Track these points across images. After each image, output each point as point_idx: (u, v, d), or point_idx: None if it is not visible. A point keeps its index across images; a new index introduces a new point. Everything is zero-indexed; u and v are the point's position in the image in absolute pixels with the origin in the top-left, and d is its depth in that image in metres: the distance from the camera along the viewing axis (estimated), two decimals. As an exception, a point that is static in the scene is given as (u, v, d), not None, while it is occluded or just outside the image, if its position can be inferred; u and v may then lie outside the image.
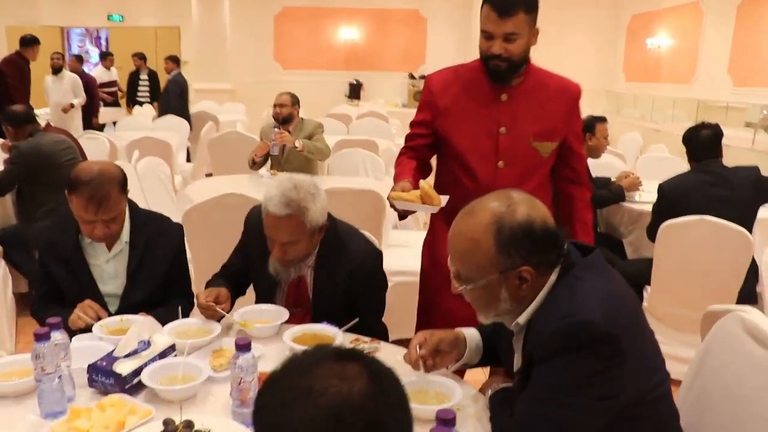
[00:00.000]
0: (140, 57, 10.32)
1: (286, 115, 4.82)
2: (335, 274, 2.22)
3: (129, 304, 2.24)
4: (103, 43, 14.87)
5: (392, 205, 2.12)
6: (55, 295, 2.29)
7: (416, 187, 2.14)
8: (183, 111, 8.63)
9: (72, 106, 8.42)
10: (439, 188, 2.32)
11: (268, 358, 1.91)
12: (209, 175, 7.48)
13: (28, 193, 4.11)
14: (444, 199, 2.10)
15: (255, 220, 2.28)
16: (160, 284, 2.30)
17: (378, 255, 2.32)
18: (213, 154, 6.11)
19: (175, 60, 9.27)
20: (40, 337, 1.58)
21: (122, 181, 2.19)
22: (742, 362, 1.70)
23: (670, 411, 1.55)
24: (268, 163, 4.86)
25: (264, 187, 4.11)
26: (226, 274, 2.37)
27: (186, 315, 2.16)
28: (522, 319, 1.51)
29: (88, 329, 2.03)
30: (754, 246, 3.35)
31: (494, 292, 1.48)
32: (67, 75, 8.63)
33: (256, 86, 12.76)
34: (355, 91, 13.11)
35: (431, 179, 2.37)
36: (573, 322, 1.36)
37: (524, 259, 1.44)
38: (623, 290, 1.49)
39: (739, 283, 3.39)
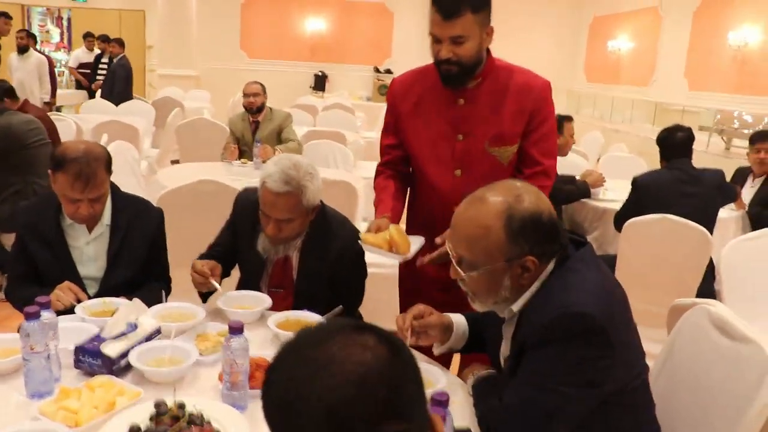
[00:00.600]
0: (103, 40, 10.09)
1: (259, 105, 4.83)
2: (322, 256, 2.26)
3: (108, 287, 2.24)
4: (65, 23, 14.53)
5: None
6: (31, 276, 2.27)
7: (395, 220, 2.16)
8: (127, 96, 8.53)
9: (46, 104, 8.27)
10: (412, 196, 2.36)
11: (253, 343, 1.92)
12: (175, 161, 7.42)
13: (-7, 174, 4.02)
14: (414, 247, 2.05)
15: (244, 200, 2.36)
16: (139, 267, 2.30)
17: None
18: (180, 141, 6.05)
19: (120, 43, 9.18)
20: (30, 316, 1.57)
21: (108, 161, 2.19)
22: (708, 353, 1.78)
23: (648, 399, 1.63)
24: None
25: (237, 175, 4.19)
26: (213, 254, 2.38)
27: (165, 299, 2.17)
28: (516, 306, 1.56)
29: (66, 311, 2.03)
30: (712, 244, 3.50)
31: (497, 279, 1.52)
32: (34, 55, 8.45)
33: (221, 74, 12.64)
34: (320, 83, 13.08)
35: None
36: (568, 312, 1.42)
37: (530, 248, 1.49)
38: (613, 284, 1.56)
39: (698, 280, 3.53)
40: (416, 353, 1.84)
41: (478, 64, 2.08)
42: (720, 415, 1.63)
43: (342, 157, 5.26)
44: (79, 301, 2.08)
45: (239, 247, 2.38)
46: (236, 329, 1.56)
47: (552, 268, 1.54)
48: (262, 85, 4.94)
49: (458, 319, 1.88)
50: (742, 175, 4.87)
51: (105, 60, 9.95)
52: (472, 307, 1.64)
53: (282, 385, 0.86)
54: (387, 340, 0.88)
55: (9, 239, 4.06)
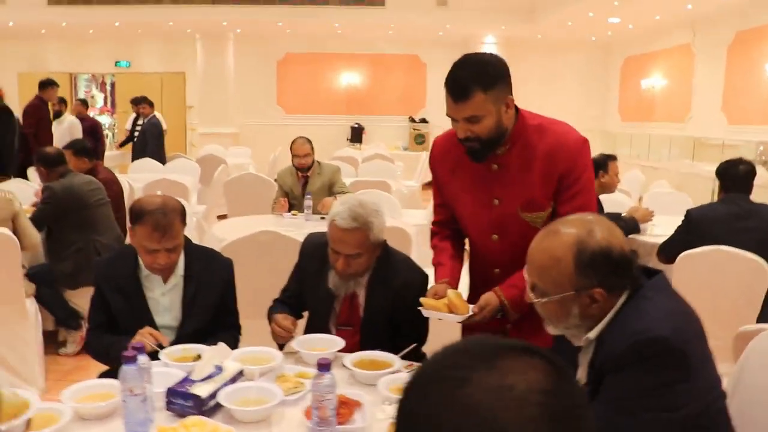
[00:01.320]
0: (136, 102, 9.95)
1: (310, 164, 4.97)
2: (387, 290, 2.36)
3: (183, 336, 2.32)
4: (108, 88, 15.13)
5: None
6: (110, 326, 2.37)
7: (454, 284, 2.25)
8: (160, 153, 8.76)
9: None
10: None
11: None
12: (222, 216, 7.61)
13: (57, 232, 4.20)
14: (472, 308, 2.09)
15: (311, 244, 2.52)
16: (211, 316, 2.39)
17: (425, 277, 2.44)
18: (228, 196, 6.23)
19: (149, 103, 9.41)
20: (128, 360, 1.67)
21: (183, 212, 2.31)
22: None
23: (726, 424, 1.65)
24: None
25: (289, 227, 4.31)
26: (285, 300, 2.51)
27: (236, 346, 2.27)
28: (592, 334, 1.61)
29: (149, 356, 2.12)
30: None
31: (566, 307, 1.59)
32: (67, 119, 8.85)
33: (259, 129, 13.02)
34: (356, 135, 13.34)
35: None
36: (642, 338, 1.47)
37: (599, 281, 1.55)
38: (688, 309, 1.60)
39: (755, 311, 3.50)
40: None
41: (501, 136, 2.05)
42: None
43: (389, 205, 5.34)
44: (160, 345, 2.16)
45: (307, 289, 2.48)
46: (324, 366, 1.63)
47: (626, 297, 1.59)
48: (310, 142, 5.07)
49: None
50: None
51: (139, 122, 10.19)
52: (546, 329, 1.69)
53: (443, 417, 0.74)
54: (551, 362, 0.78)
55: (73, 295, 4.23)
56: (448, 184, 2.28)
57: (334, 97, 13.70)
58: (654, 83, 11.75)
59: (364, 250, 2.28)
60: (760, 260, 3.42)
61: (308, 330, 2.48)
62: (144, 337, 2.17)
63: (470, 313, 2.06)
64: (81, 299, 4.22)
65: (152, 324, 2.33)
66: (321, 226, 4.40)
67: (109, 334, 2.35)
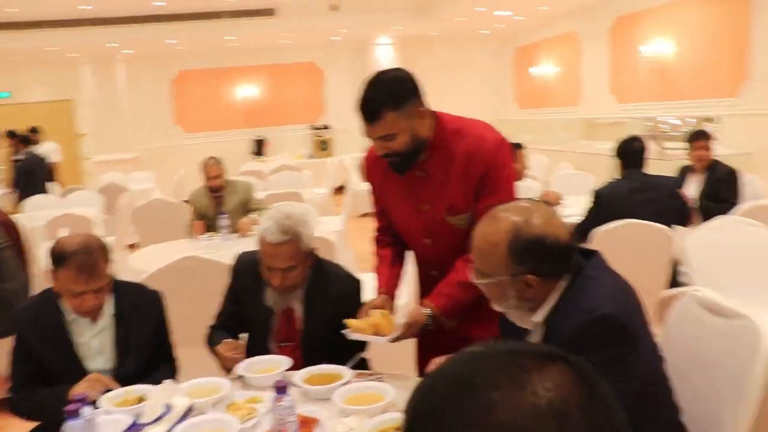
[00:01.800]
0: (10, 135, 9.44)
1: (222, 184, 4.88)
2: (323, 301, 2.36)
3: (121, 378, 2.19)
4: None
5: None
6: (38, 378, 2.21)
7: (391, 292, 2.29)
8: (43, 186, 8.38)
9: None
10: None
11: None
12: (132, 246, 7.33)
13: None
14: (399, 327, 2.11)
15: (243, 262, 2.49)
16: (148, 353, 2.30)
17: (359, 281, 2.46)
18: (138, 224, 6.01)
19: (35, 132, 8.97)
20: (71, 414, 1.59)
21: (106, 249, 2.21)
22: (704, 333, 1.93)
23: (670, 385, 1.75)
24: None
25: (207, 249, 4.21)
26: (224, 324, 2.46)
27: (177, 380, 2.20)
28: (538, 317, 1.68)
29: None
30: (675, 241, 3.72)
31: (503, 290, 1.66)
32: None
33: (159, 152, 12.62)
34: (259, 147, 13.17)
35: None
36: (592, 317, 1.54)
37: (532, 268, 1.61)
38: (626, 285, 1.69)
39: (665, 275, 3.74)
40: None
41: (421, 145, 2.10)
42: (725, 386, 1.77)
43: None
44: (108, 391, 2.05)
45: (243, 307, 2.45)
46: (282, 389, 1.61)
47: (570, 280, 1.65)
48: (219, 161, 4.98)
49: None
50: (685, 172, 5.18)
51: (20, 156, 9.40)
52: (492, 306, 1.76)
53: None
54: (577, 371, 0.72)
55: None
56: (381, 194, 2.35)
57: (233, 111, 13.46)
58: (546, 71, 12.21)
59: (297, 262, 2.28)
60: (666, 229, 3.66)
61: (248, 349, 2.44)
62: (92, 384, 2.05)
63: (396, 333, 2.08)
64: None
65: (84, 371, 2.21)
66: (240, 246, 4.36)
67: (40, 387, 2.20)
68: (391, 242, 2.41)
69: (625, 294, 1.65)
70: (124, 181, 9.13)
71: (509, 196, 2.16)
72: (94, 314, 2.23)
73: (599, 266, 1.69)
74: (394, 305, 2.30)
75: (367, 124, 2.05)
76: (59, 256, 2.12)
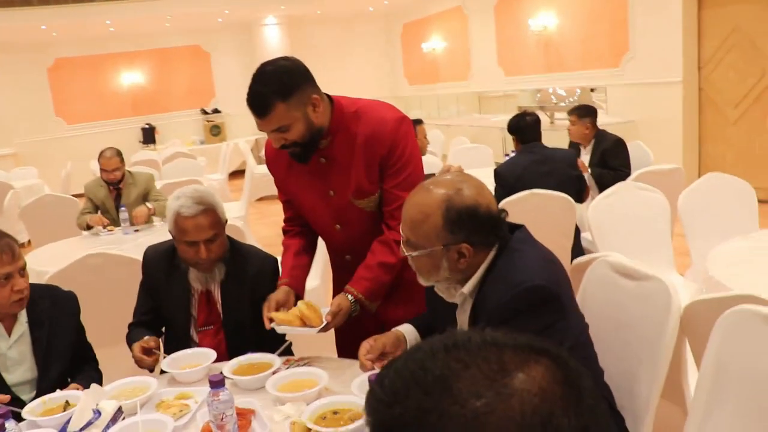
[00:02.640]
0: None
1: (120, 177, 4.67)
2: (241, 282, 2.34)
3: (45, 386, 2.10)
4: None
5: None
6: None
7: (294, 282, 2.25)
8: None
9: None
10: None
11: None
12: (21, 246, 6.88)
13: None
14: (325, 313, 2.08)
15: (152, 255, 2.46)
16: (71, 357, 2.21)
17: (275, 260, 2.45)
18: (28, 223, 5.68)
19: None
20: (-5, 429, 1.50)
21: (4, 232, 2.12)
22: (618, 296, 2.05)
23: (593, 349, 1.85)
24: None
25: (109, 244, 4.04)
26: (143, 321, 2.40)
27: (101, 380, 2.12)
28: (467, 289, 1.72)
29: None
30: (576, 208, 3.90)
31: (436, 261, 1.68)
32: None
33: (41, 146, 11.91)
34: (149, 136, 12.67)
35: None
36: (523, 288, 1.59)
37: (465, 237, 1.64)
38: (553, 257, 1.75)
39: (570, 242, 3.92)
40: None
41: (318, 133, 2.07)
42: (642, 346, 1.88)
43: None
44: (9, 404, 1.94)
45: (160, 300, 2.40)
46: (218, 383, 1.58)
47: (496, 252, 1.70)
48: (119, 153, 4.75)
49: (407, 329, 2.00)
50: (576, 145, 5.41)
51: None
52: (419, 282, 1.78)
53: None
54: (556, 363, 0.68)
55: None
56: (286, 184, 2.31)
57: (118, 99, 12.84)
58: (434, 46, 12.39)
59: (218, 231, 2.27)
60: (568, 197, 3.83)
61: (169, 341, 2.39)
62: None
63: (324, 322, 2.07)
64: None
65: (4, 384, 2.09)
66: (142, 239, 4.22)
67: None
68: (299, 231, 2.40)
69: (552, 264, 1.71)
70: (7, 178, 8.57)
71: (415, 173, 2.17)
72: (15, 308, 2.11)
73: (525, 239, 1.74)
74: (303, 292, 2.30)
75: (259, 119, 2.01)
76: None
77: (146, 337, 2.21)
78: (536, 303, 1.59)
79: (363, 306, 2.14)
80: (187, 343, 2.36)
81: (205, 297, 2.37)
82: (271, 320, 2.09)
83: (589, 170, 4.99)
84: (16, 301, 2.07)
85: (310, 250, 2.42)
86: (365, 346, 1.91)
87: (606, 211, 3.58)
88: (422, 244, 1.68)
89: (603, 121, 7.42)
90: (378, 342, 1.92)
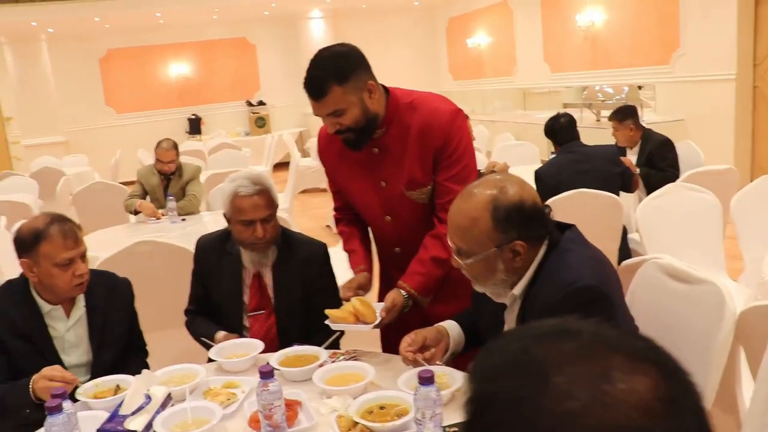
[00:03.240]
0: None
1: (173, 170, 4.76)
2: (292, 266, 2.40)
3: (98, 370, 2.14)
4: None
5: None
6: (5, 372, 2.09)
7: (369, 268, 2.30)
8: None
9: None
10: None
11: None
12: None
13: None
14: (378, 309, 2.08)
15: (203, 245, 2.53)
16: (124, 343, 2.25)
17: (325, 245, 2.51)
18: (79, 209, 5.82)
19: None
20: (53, 410, 1.54)
21: (67, 218, 2.15)
22: (668, 300, 2.01)
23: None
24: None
25: (157, 233, 4.12)
26: (200, 310, 2.48)
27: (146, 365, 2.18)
28: (517, 290, 1.71)
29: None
30: (623, 208, 3.84)
31: (491, 264, 1.67)
32: None
33: (91, 134, 12.22)
34: (195, 126, 12.88)
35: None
36: (575, 287, 1.57)
37: (517, 234, 1.63)
38: (603, 257, 1.73)
39: (616, 243, 3.86)
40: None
41: (374, 120, 2.08)
42: (693, 351, 1.83)
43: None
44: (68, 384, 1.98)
45: (212, 288, 2.46)
46: (268, 374, 1.60)
47: (545, 251, 1.69)
48: (175, 146, 4.83)
49: (450, 325, 2.00)
50: (623, 147, 5.30)
51: None
52: (475, 288, 1.77)
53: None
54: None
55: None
56: (337, 173, 2.32)
57: (165, 90, 13.07)
58: (479, 41, 12.30)
59: (273, 211, 2.35)
60: (614, 197, 3.77)
61: (222, 325, 2.44)
62: (52, 377, 1.93)
63: (379, 318, 2.07)
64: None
65: (60, 364, 2.11)
66: (190, 229, 4.29)
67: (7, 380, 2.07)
68: (354, 219, 2.42)
69: (603, 264, 1.69)
70: (58, 164, 8.80)
71: (469, 167, 2.17)
72: (80, 291, 2.16)
73: (575, 239, 1.72)
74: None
75: (315, 102, 2.03)
76: (36, 235, 2.04)
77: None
78: (587, 303, 1.57)
79: (416, 301, 2.15)
80: (238, 328, 2.41)
81: (256, 281, 2.42)
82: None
83: (638, 170, 4.90)
84: (77, 285, 2.12)
85: (368, 237, 2.44)
86: (407, 339, 1.92)
87: (655, 213, 3.51)
88: (475, 250, 1.66)
89: (651, 119, 7.29)
90: (419, 335, 1.92)
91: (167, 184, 4.84)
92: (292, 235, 2.50)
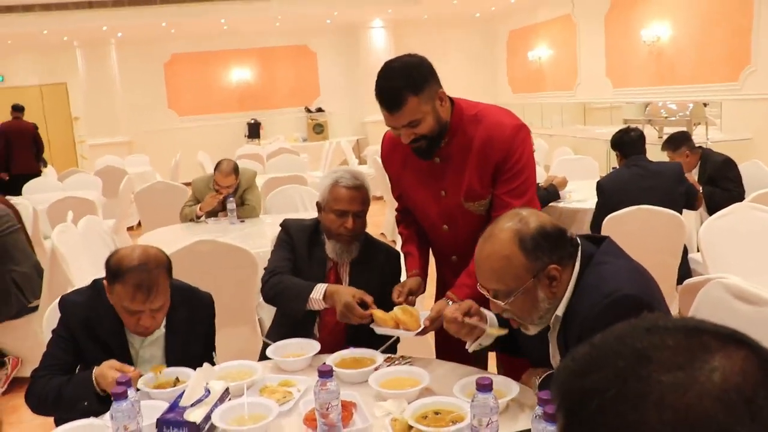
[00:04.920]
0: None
1: (231, 192, 4.76)
2: (370, 265, 2.46)
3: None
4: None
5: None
6: (70, 370, 2.10)
7: (423, 276, 2.33)
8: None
9: None
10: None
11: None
12: (130, 228, 7.31)
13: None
14: (423, 317, 2.08)
15: (296, 225, 2.55)
16: (197, 361, 2.13)
17: (399, 255, 2.55)
18: (141, 207, 5.99)
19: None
20: (119, 396, 1.59)
21: (168, 265, 2.07)
22: (733, 321, 1.92)
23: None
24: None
25: (217, 233, 4.20)
26: (287, 267, 2.44)
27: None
28: (560, 311, 1.69)
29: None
30: (685, 227, 3.74)
31: (533, 295, 1.66)
32: None
33: (153, 136, 12.56)
34: (254, 131, 13.11)
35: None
36: (614, 298, 1.55)
37: (548, 258, 1.64)
38: (642, 268, 1.71)
39: (677, 261, 3.76)
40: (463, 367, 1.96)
41: (445, 127, 2.10)
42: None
43: (309, 199, 5.30)
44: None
45: (298, 273, 2.43)
46: (326, 373, 1.62)
47: (580, 267, 1.68)
48: (236, 170, 4.71)
49: (490, 314, 1.95)
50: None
51: None
52: (527, 333, 1.75)
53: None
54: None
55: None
56: (400, 179, 2.36)
57: (226, 94, 13.37)
58: (540, 54, 12.20)
59: (365, 209, 2.40)
60: (677, 215, 3.68)
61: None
62: (115, 371, 1.93)
63: (422, 326, 2.07)
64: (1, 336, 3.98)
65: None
66: (248, 230, 4.36)
67: (59, 376, 2.04)
68: (414, 221, 2.45)
69: (641, 275, 1.67)
70: (121, 164, 9.08)
71: (529, 182, 2.17)
72: (148, 334, 2.11)
73: (610, 251, 1.71)
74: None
75: (391, 114, 2.02)
76: (116, 271, 1.98)
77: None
78: (628, 313, 1.53)
79: None
80: (313, 318, 2.43)
81: (333, 273, 2.46)
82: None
83: (701, 188, 4.78)
84: (137, 332, 2.09)
85: (427, 242, 2.45)
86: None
87: (718, 232, 3.40)
88: (514, 287, 1.66)
89: (715, 137, 7.10)
90: (464, 304, 1.93)
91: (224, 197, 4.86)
92: (372, 238, 2.56)
